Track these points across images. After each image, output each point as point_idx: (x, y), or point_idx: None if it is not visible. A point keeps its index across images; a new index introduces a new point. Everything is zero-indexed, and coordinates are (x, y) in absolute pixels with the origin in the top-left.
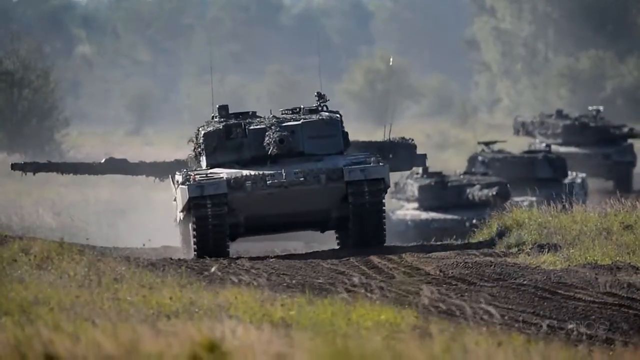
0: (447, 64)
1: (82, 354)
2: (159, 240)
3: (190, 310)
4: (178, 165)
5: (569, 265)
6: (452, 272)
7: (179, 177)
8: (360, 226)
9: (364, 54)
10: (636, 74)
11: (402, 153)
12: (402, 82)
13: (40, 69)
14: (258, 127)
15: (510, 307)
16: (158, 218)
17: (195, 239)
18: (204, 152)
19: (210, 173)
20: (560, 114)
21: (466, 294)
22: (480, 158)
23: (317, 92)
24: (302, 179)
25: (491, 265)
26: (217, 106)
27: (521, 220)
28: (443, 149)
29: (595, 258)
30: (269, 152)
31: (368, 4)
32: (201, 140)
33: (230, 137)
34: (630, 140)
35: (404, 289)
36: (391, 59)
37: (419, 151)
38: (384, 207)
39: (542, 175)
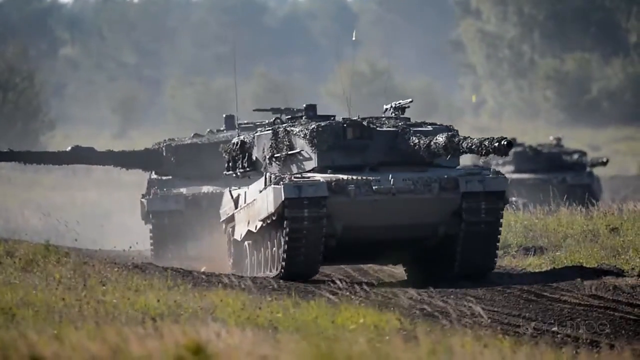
0: (432, 66)
1: (68, 356)
2: (146, 244)
3: (176, 313)
4: (147, 154)
5: (555, 268)
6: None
7: (257, 185)
8: (470, 249)
9: (349, 56)
10: (621, 76)
11: None
12: (387, 84)
13: (25, 71)
14: (387, 129)
15: (495, 309)
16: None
17: (286, 250)
18: (315, 150)
19: (306, 175)
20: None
21: (451, 296)
22: None
23: (394, 105)
24: (412, 186)
25: None
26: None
27: (507, 222)
28: None
29: (581, 261)
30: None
31: (352, 6)
32: (308, 137)
33: (352, 137)
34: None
35: (389, 291)
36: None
37: None
38: (500, 228)
39: None
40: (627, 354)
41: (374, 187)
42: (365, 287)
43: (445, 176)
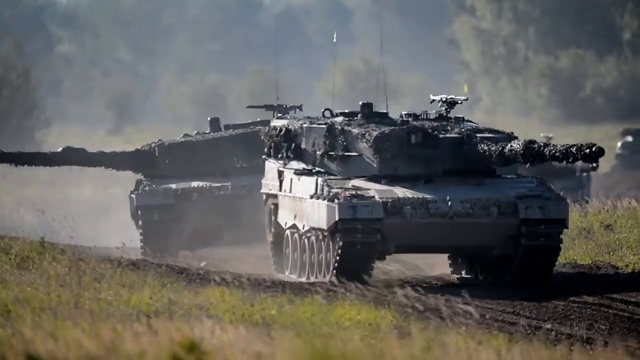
0: (427, 63)
1: (63, 353)
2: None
3: (171, 310)
4: (139, 155)
5: None
6: (430, 272)
7: (304, 186)
8: (527, 270)
9: (344, 53)
10: (616, 73)
11: None
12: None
13: (21, 68)
14: (452, 135)
15: (490, 306)
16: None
17: (338, 262)
18: (377, 157)
19: (360, 189)
20: None
21: (446, 294)
22: None
23: (446, 99)
24: (470, 210)
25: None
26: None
27: None
28: None
29: (576, 257)
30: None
31: (347, 2)
32: (372, 143)
33: (416, 145)
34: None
35: (383, 289)
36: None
37: None
38: (559, 252)
39: None
40: (621, 351)
41: (430, 210)
42: (359, 284)
43: (504, 200)
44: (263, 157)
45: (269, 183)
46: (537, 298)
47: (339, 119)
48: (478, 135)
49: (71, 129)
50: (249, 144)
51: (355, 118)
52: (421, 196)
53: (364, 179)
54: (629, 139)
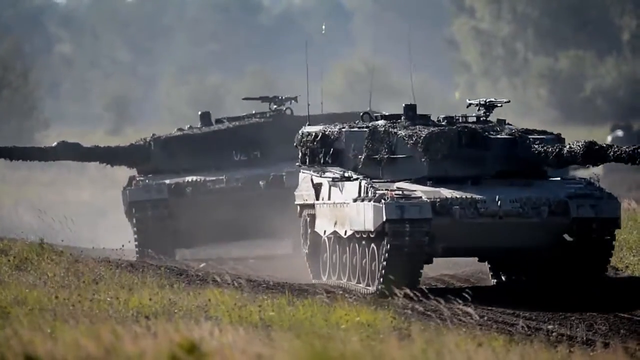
0: (427, 64)
1: (62, 354)
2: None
3: (170, 311)
4: (133, 150)
5: None
6: (430, 274)
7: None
8: (578, 271)
9: (344, 54)
10: (615, 74)
11: None
12: (382, 82)
13: (20, 68)
14: (504, 137)
15: (489, 308)
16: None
17: (384, 267)
18: (427, 159)
19: (407, 190)
20: None
21: (445, 295)
22: None
23: (484, 102)
24: (520, 209)
25: (470, 266)
26: (405, 105)
27: None
28: None
29: None
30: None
31: (347, 4)
32: (421, 144)
33: (467, 146)
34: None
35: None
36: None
37: None
38: (613, 250)
39: None
40: (621, 353)
41: (479, 210)
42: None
43: (555, 198)
44: (297, 164)
45: (303, 194)
46: (536, 299)
47: (381, 122)
48: (530, 136)
49: (70, 130)
50: (248, 137)
51: (399, 121)
52: (469, 196)
53: (409, 181)
54: (619, 133)
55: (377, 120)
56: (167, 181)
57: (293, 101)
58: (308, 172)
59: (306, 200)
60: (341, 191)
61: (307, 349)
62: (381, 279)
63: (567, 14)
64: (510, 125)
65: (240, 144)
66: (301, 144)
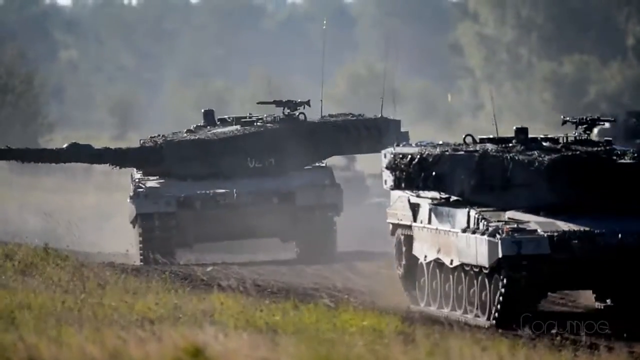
0: (431, 69)
1: (67, 359)
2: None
3: (175, 316)
4: (145, 152)
5: None
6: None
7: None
8: None
9: (348, 59)
10: (619, 78)
11: (393, 129)
12: (386, 86)
13: (24, 74)
14: (627, 161)
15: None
16: None
17: (501, 302)
18: (550, 187)
19: (521, 222)
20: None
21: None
22: None
23: (587, 119)
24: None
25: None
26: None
27: None
28: None
29: None
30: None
31: (351, 10)
32: (544, 170)
33: (589, 171)
34: None
35: (387, 293)
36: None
37: None
38: None
39: None
40: (625, 356)
41: (600, 242)
42: (363, 289)
43: None
44: (388, 187)
45: (397, 212)
46: (541, 303)
47: (490, 145)
48: None
49: (74, 135)
50: (263, 143)
51: (510, 144)
52: (587, 229)
53: (521, 210)
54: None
55: (481, 142)
56: (176, 193)
57: (306, 105)
58: (403, 191)
59: (401, 220)
60: (445, 217)
61: (312, 354)
62: (496, 313)
63: (572, 19)
64: (615, 146)
65: (256, 150)
66: (394, 166)
